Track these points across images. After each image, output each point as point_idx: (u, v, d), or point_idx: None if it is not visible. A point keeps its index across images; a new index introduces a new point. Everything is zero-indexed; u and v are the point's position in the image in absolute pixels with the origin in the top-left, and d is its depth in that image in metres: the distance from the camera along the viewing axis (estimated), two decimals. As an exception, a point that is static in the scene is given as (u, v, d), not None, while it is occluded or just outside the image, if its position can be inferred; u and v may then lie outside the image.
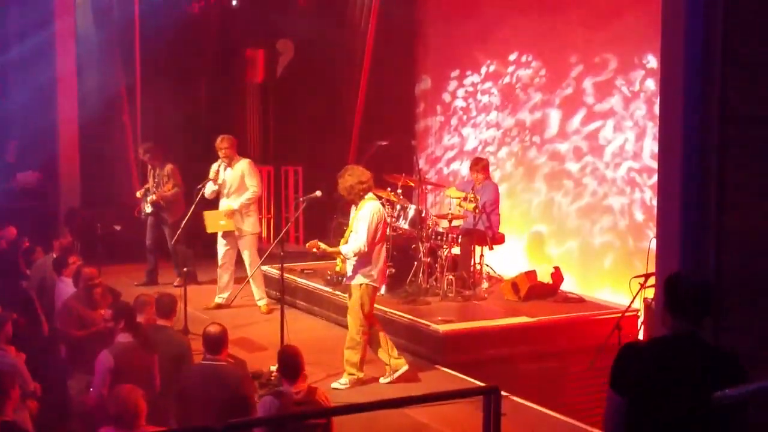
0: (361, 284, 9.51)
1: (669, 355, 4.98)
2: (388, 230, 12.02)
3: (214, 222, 12.08)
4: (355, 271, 9.53)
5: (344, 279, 9.88)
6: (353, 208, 9.73)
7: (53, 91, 15.52)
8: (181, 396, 7.62)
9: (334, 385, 9.46)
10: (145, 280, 13.64)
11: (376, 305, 11.40)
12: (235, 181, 12.03)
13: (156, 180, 13.56)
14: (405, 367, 9.69)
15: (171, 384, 8.18)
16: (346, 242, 9.55)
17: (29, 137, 15.51)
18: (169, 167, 13.55)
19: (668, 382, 4.91)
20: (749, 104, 7.51)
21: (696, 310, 4.98)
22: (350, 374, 9.59)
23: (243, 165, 12.11)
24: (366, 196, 9.58)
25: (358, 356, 9.59)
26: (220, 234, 12.21)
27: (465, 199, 12.47)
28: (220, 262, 12.32)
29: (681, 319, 4.97)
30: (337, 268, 9.96)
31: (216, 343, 7.61)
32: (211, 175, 12.03)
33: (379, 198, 12.07)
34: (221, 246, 12.27)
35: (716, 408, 4.67)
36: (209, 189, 12.04)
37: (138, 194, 13.81)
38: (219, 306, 12.28)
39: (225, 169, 12.07)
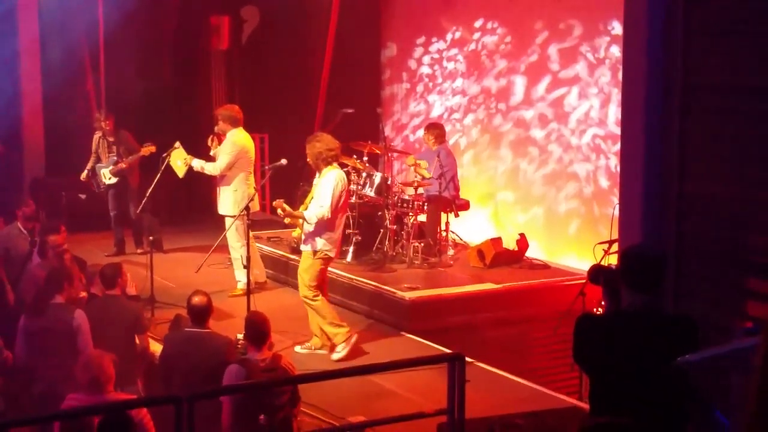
0: (316, 251, 9.54)
1: (626, 327, 5.05)
2: (353, 198, 12.10)
3: (175, 158, 11.71)
4: (311, 238, 9.54)
5: (302, 244, 9.77)
6: (317, 175, 9.75)
7: (16, 60, 15.37)
8: (165, 364, 7.66)
9: (334, 356, 9.48)
10: (115, 250, 13.58)
11: (341, 273, 11.50)
12: (218, 153, 11.62)
13: (111, 150, 13.41)
14: (352, 337, 9.62)
15: (127, 351, 8.25)
16: (307, 209, 9.55)
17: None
18: (124, 133, 13.46)
19: (626, 354, 4.98)
20: (711, 72, 7.57)
21: (649, 282, 5.05)
22: (335, 335, 9.55)
23: (227, 138, 11.54)
24: (331, 165, 9.61)
25: (327, 318, 9.59)
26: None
27: (416, 165, 12.53)
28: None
29: (636, 292, 5.04)
30: (295, 234, 9.92)
31: (201, 313, 7.66)
32: (208, 142, 11.78)
33: (345, 166, 12.12)
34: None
35: (676, 373, 4.75)
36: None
37: (83, 176, 13.57)
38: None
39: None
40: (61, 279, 8.47)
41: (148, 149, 12.98)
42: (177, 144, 11.87)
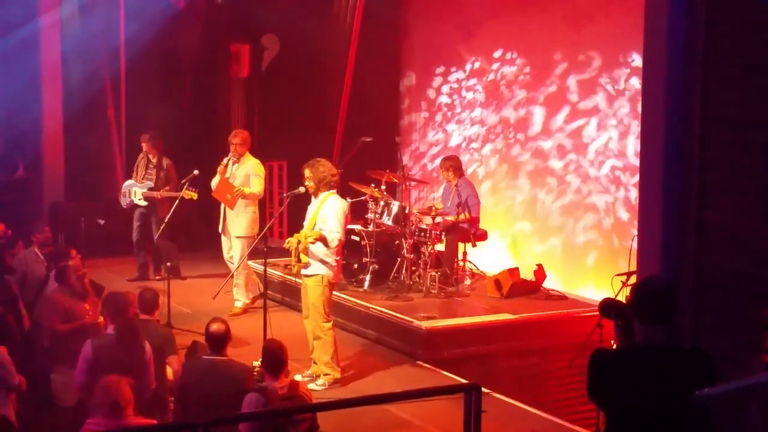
0: (323, 276, 9.55)
1: (641, 362, 4.99)
2: (371, 227, 12.16)
3: (222, 191, 11.85)
4: (317, 265, 9.54)
5: (305, 270, 9.66)
6: (313, 199, 9.76)
7: (38, 84, 15.48)
8: (182, 391, 7.63)
9: (311, 386, 9.40)
10: (137, 275, 13.62)
11: (358, 301, 11.51)
12: (239, 178, 11.86)
13: (148, 172, 13.49)
14: (336, 383, 9.66)
15: (157, 376, 8.23)
16: (306, 237, 9.51)
17: (14, 130, 15.46)
18: (167, 162, 13.51)
19: (642, 389, 4.93)
20: (730, 105, 7.57)
21: (661, 316, 4.99)
22: (325, 374, 9.59)
23: (250, 165, 11.94)
24: (330, 190, 9.66)
25: (329, 354, 9.60)
26: (223, 236, 12.12)
27: (459, 214, 12.38)
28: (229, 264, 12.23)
29: (649, 326, 4.99)
30: (295, 270, 9.80)
31: (219, 341, 7.64)
32: (219, 168, 11.94)
33: (363, 194, 12.22)
34: (225, 248, 12.18)
35: (694, 408, 4.70)
36: (215, 181, 11.99)
37: (128, 189, 13.63)
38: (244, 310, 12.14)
39: (233, 164, 11.96)
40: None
41: (189, 195, 12.77)
42: (219, 168, 11.92)
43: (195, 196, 12.66)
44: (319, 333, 9.60)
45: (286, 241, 9.87)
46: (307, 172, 9.68)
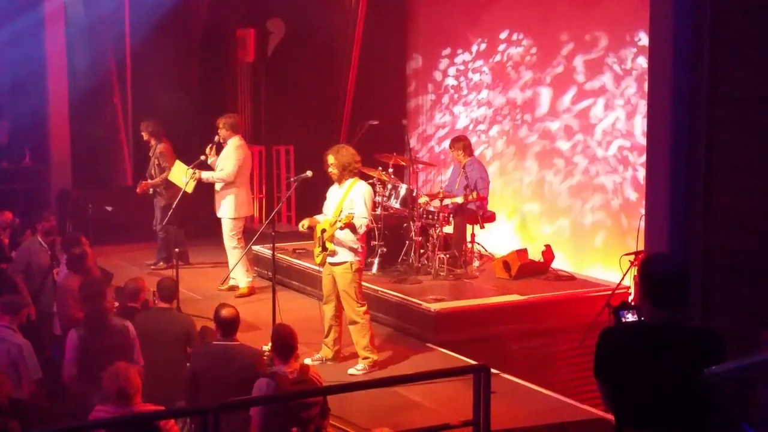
0: (352, 263, 9.52)
1: (650, 340, 4.96)
2: (378, 210, 12.17)
3: (178, 173, 11.96)
4: (346, 251, 9.51)
5: (331, 258, 9.61)
6: (336, 186, 9.71)
7: (43, 71, 15.47)
8: (193, 377, 7.64)
9: (351, 371, 9.46)
10: (153, 261, 13.65)
11: (368, 284, 11.52)
12: (221, 161, 11.98)
13: (150, 158, 13.49)
14: (374, 367, 9.65)
15: (179, 364, 8.24)
16: (333, 224, 9.47)
17: (20, 118, 15.47)
18: (160, 147, 13.41)
19: (652, 370, 4.91)
20: (737, 84, 7.55)
21: (671, 296, 4.93)
22: (365, 358, 9.58)
23: (230, 147, 12.00)
24: (354, 176, 9.62)
25: (367, 338, 9.59)
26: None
27: (467, 195, 12.35)
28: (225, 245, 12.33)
29: (659, 309, 4.94)
30: (319, 260, 9.74)
31: (230, 326, 7.66)
32: (204, 154, 12.02)
33: (370, 177, 12.21)
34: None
35: (703, 386, 4.69)
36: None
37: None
38: (232, 288, 12.29)
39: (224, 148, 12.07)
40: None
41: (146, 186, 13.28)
42: (205, 153, 11.98)
43: (146, 189, 13.21)
44: (355, 318, 9.59)
45: (300, 223, 9.86)
46: (330, 159, 9.59)
